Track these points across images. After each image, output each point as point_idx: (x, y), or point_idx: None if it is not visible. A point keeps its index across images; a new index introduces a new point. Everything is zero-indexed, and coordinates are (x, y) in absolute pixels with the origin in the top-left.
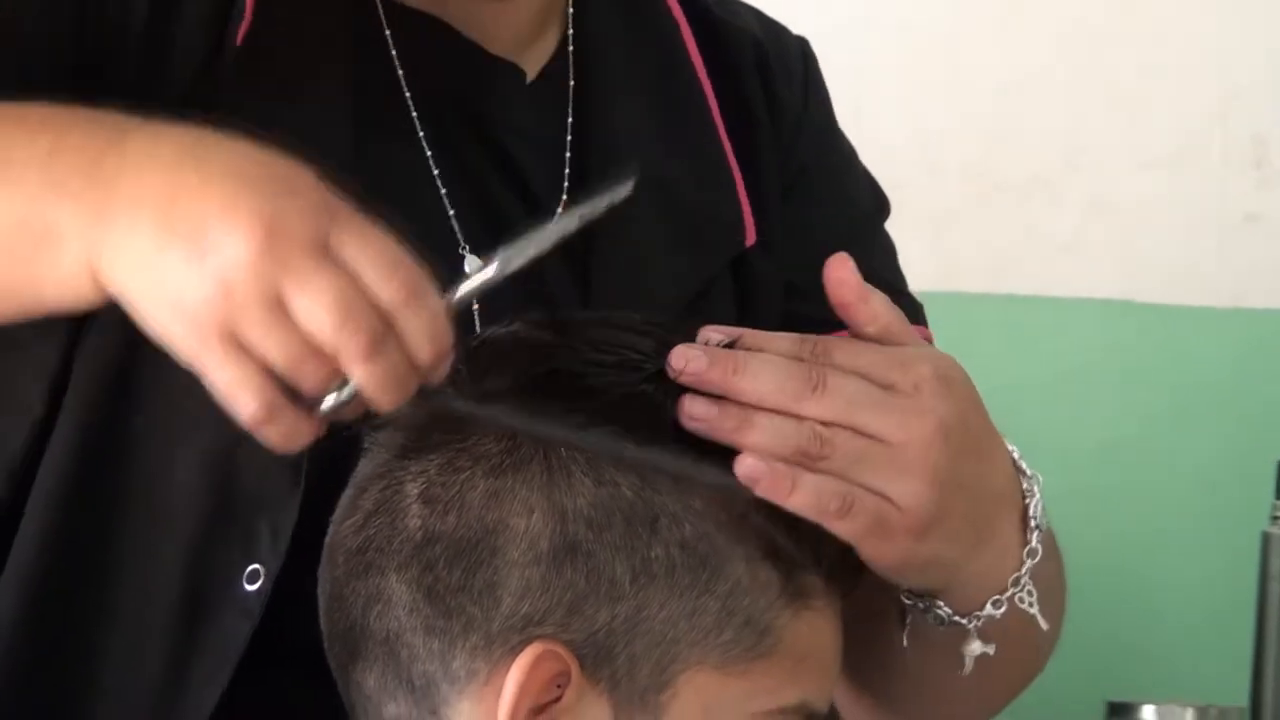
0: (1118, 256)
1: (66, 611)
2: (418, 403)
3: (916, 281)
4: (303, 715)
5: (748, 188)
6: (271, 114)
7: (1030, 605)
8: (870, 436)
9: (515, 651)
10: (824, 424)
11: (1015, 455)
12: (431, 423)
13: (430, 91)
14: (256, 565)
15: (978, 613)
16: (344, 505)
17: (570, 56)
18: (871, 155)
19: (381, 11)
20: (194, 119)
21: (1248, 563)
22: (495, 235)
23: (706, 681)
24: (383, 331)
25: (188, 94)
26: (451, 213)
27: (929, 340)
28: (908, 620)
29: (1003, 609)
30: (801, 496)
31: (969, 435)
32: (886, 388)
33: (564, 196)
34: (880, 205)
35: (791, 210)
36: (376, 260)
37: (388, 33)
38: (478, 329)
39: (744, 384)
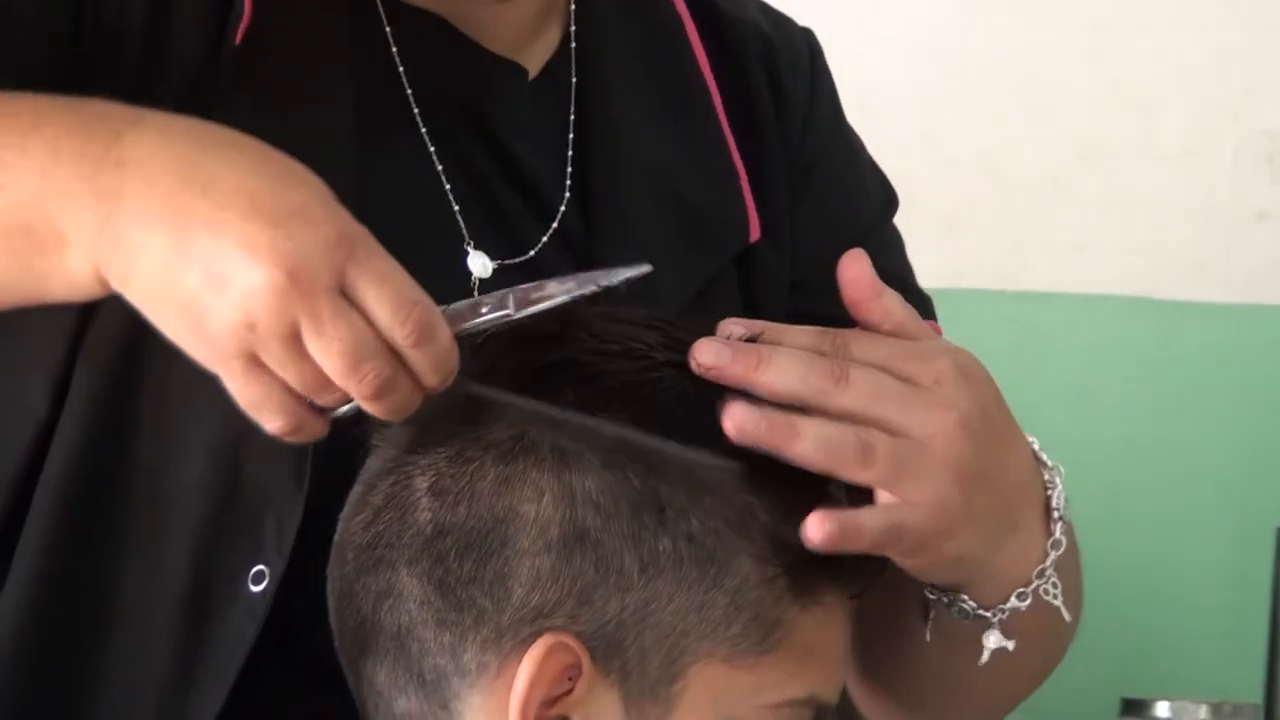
0: (1130, 253)
1: (72, 612)
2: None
3: (927, 279)
4: (309, 715)
5: (752, 182)
6: (272, 112)
7: (1055, 597)
8: (893, 432)
9: (526, 644)
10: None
11: (1035, 447)
12: (440, 415)
13: (431, 89)
14: (261, 566)
15: (1002, 605)
16: (353, 502)
17: (572, 53)
18: (883, 152)
19: (381, 10)
20: (192, 117)
21: (1262, 559)
22: (498, 232)
23: (715, 674)
24: (391, 375)
25: (186, 93)
26: (456, 208)
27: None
28: (931, 615)
29: (1027, 601)
30: (866, 542)
31: (991, 428)
32: (905, 380)
33: (566, 194)
34: (889, 199)
35: (798, 205)
36: (390, 302)
37: (388, 30)
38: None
39: (768, 378)
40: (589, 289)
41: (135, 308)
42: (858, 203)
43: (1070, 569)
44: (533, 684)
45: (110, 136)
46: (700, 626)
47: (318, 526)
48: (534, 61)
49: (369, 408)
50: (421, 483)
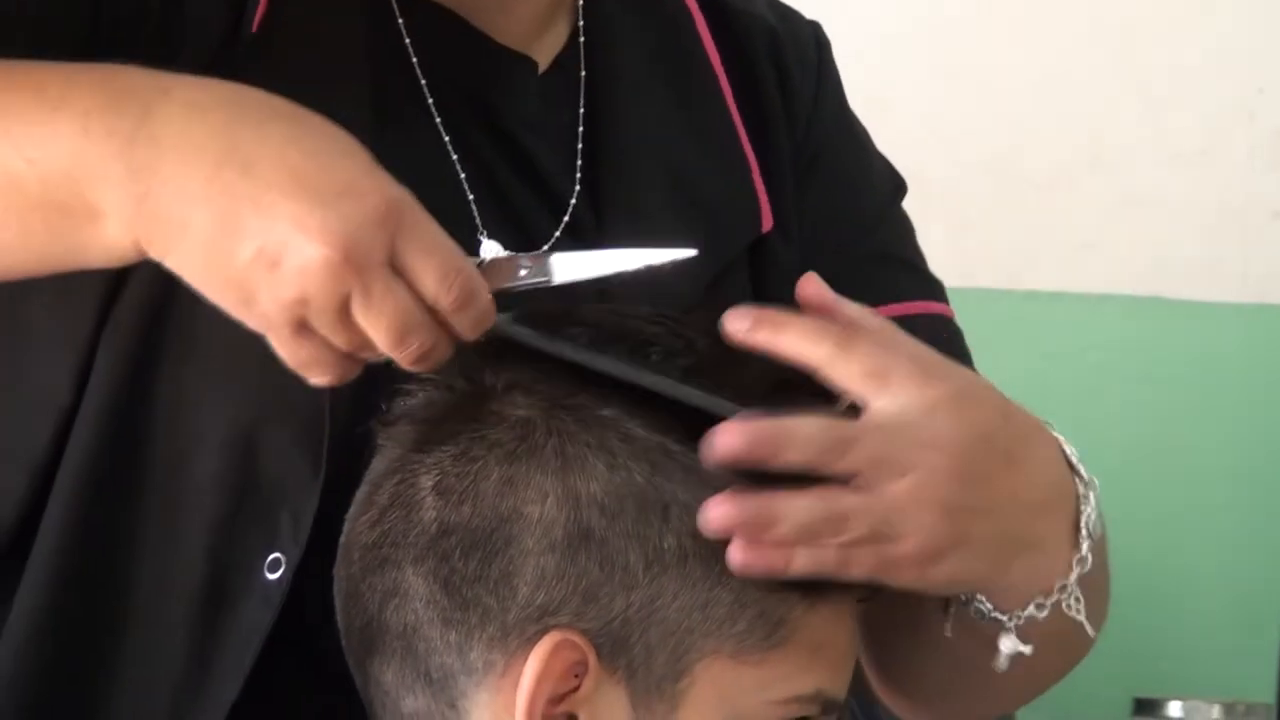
0: (1142, 253)
1: (87, 609)
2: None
3: (939, 278)
4: (318, 714)
5: (763, 173)
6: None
7: (1077, 611)
8: (881, 488)
9: (532, 642)
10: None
11: (1073, 458)
12: (445, 415)
13: (444, 81)
14: (278, 554)
15: (1019, 611)
16: (359, 501)
17: (581, 47)
18: (894, 152)
19: (395, 1)
20: (220, 80)
21: (1274, 559)
22: (510, 223)
23: (722, 671)
24: (432, 344)
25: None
26: (471, 198)
27: (947, 318)
28: (950, 609)
29: (1045, 612)
30: (799, 569)
31: (992, 454)
32: (897, 418)
33: (576, 187)
34: (897, 185)
35: (805, 195)
36: (436, 271)
37: (400, 21)
38: None
39: (786, 461)
40: (635, 266)
41: (169, 281)
42: (864, 192)
43: (1097, 583)
44: (539, 681)
45: (140, 111)
46: (705, 623)
47: (333, 516)
48: (544, 55)
49: (411, 368)
50: (426, 481)
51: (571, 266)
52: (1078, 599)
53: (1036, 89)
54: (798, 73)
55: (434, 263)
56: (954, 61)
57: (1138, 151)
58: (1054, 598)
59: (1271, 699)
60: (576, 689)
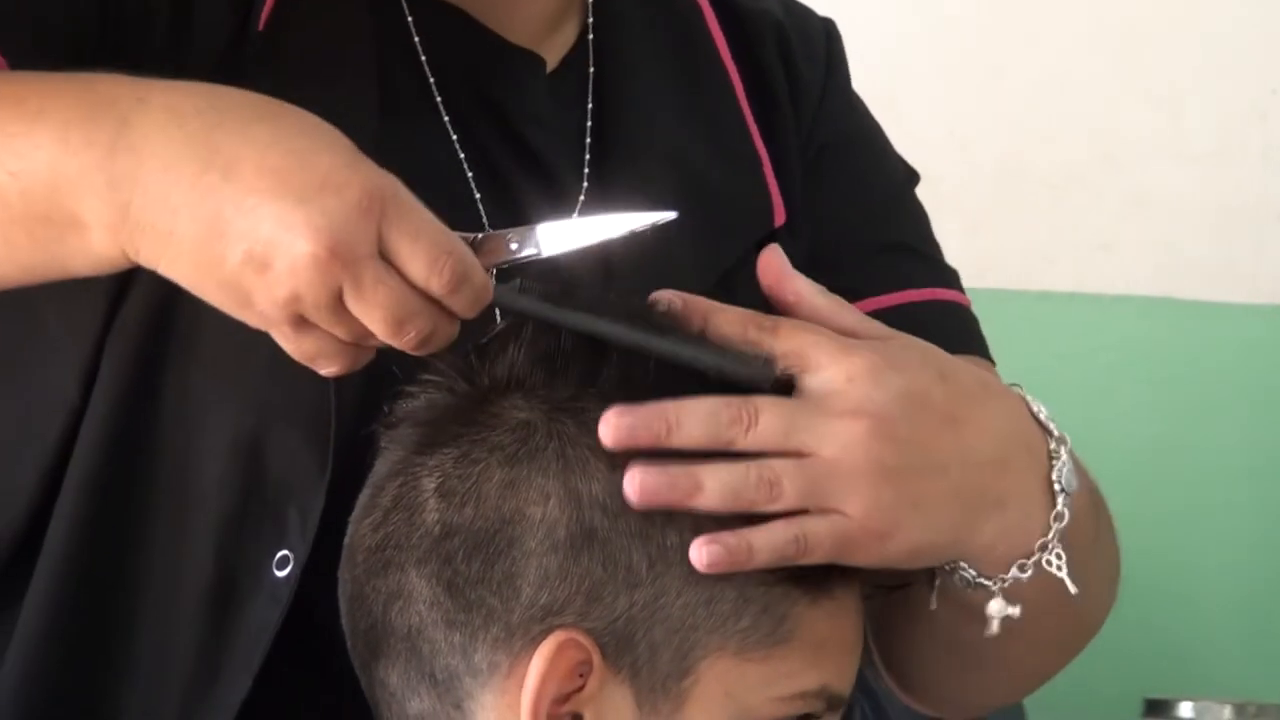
0: (1155, 253)
1: (98, 601)
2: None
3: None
4: (327, 712)
5: (774, 168)
6: (296, 97)
7: (1059, 569)
8: (805, 455)
9: (536, 642)
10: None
11: (1042, 415)
12: (446, 416)
13: (452, 79)
14: (286, 551)
15: (1003, 575)
16: (362, 504)
17: (590, 46)
18: (908, 152)
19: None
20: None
21: None
22: (516, 222)
23: (727, 668)
24: (431, 329)
25: (210, 77)
26: (478, 195)
27: (960, 305)
28: (936, 582)
29: (1028, 573)
30: (762, 558)
31: (925, 413)
32: (817, 389)
33: (584, 184)
34: (909, 174)
35: (814, 187)
36: (424, 257)
37: (409, 19)
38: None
39: (678, 441)
40: (620, 231)
41: (164, 289)
42: (874, 182)
43: (1089, 541)
44: (544, 681)
45: (118, 121)
46: (709, 621)
47: (340, 516)
48: (553, 53)
49: (413, 353)
50: (429, 483)
51: (558, 236)
52: (1059, 556)
53: (1048, 90)
54: (805, 65)
55: (421, 247)
56: (965, 62)
57: (1150, 152)
58: (1035, 556)
59: None
60: (581, 689)
